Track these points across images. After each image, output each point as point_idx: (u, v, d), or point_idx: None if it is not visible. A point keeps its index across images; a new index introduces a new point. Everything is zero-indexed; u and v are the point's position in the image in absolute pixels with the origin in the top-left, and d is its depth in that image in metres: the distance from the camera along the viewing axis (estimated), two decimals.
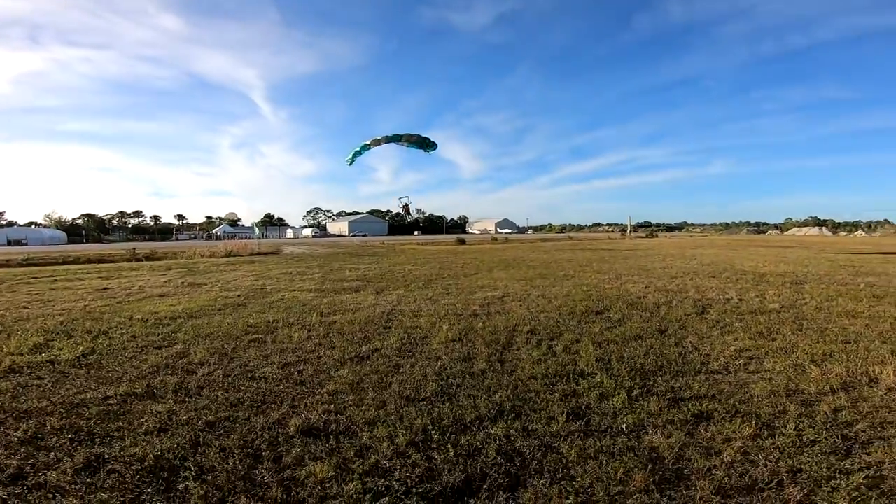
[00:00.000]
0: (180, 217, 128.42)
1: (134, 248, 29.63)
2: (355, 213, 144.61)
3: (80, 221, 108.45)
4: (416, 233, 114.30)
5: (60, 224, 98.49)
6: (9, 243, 61.37)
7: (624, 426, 3.71)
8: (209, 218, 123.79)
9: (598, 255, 23.79)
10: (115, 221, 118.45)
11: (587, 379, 4.81)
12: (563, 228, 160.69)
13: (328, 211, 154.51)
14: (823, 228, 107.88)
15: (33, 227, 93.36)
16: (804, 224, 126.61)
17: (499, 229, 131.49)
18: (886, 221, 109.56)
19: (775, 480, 2.95)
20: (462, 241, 45.12)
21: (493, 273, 15.29)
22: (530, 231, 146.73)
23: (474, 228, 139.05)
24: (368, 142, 16.28)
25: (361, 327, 7.25)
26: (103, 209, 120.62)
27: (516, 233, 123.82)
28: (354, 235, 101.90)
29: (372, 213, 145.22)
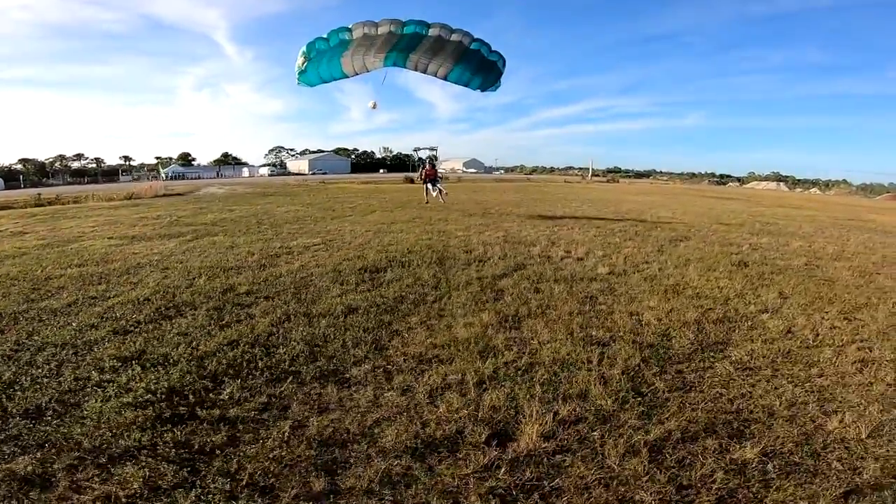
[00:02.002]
0: (126, 158, 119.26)
1: (39, 194, 26.75)
2: (320, 151, 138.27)
3: (20, 167, 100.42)
4: (381, 171, 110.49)
5: (0, 170, 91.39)
6: None
7: None
8: (158, 158, 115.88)
9: (528, 197, 22.09)
10: (56, 165, 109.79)
11: None
12: (533, 171, 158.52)
13: (291, 150, 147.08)
14: (782, 184, 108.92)
15: None
16: (765, 179, 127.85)
17: (464, 169, 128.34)
18: (844, 181, 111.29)
19: None
20: (410, 181, 42.57)
21: (367, 216, 13.37)
22: (501, 171, 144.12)
23: (442, 167, 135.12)
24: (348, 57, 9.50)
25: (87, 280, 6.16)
26: (51, 154, 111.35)
27: (483, 173, 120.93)
28: (314, 173, 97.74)
29: (337, 151, 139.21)
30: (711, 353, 4.10)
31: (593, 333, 4.48)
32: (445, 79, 10.38)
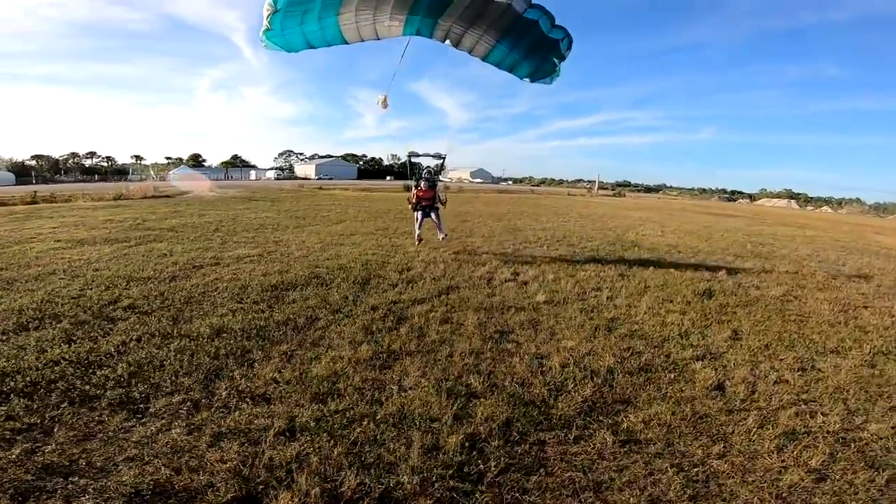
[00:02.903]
0: (138, 157, 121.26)
1: (35, 192, 26.79)
2: (328, 156, 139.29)
3: (33, 163, 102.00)
4: (388, 178, 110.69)
5: (13, 166, 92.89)
6: None
7: None
8: (168, 158, 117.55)
9: (518, 210, 21.34)
10: (70, 163, 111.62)
11: None
12: (541, 182, 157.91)
13: (301, 154, 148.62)
14: (793, 202, 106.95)
15: None
16: (777, 196, 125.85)
17: (471, 179, 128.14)
18: (857, 200, 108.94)
19: None
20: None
21: (332, 226, 12.75)
22: (509, 182, 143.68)
23: (448, 176, 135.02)
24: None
25: None
26: (65, 151, 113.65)
27: (490, 183, 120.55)
28: (320, 178, 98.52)
29: (345, 157, 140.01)
30: (600, 418, 3.33)
31: (471, 381, 3.75)
32: (485, 59, 7.46)
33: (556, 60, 7.20)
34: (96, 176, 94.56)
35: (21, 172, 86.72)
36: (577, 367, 4.15)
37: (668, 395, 3.74)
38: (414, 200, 9.33)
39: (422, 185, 9.19)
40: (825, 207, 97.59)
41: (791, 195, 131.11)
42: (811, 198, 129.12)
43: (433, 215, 9.50)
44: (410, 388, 3.64)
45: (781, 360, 4.74)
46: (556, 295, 6.38)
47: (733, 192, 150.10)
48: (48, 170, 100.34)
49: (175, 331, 4.65)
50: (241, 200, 22.00)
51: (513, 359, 4.25)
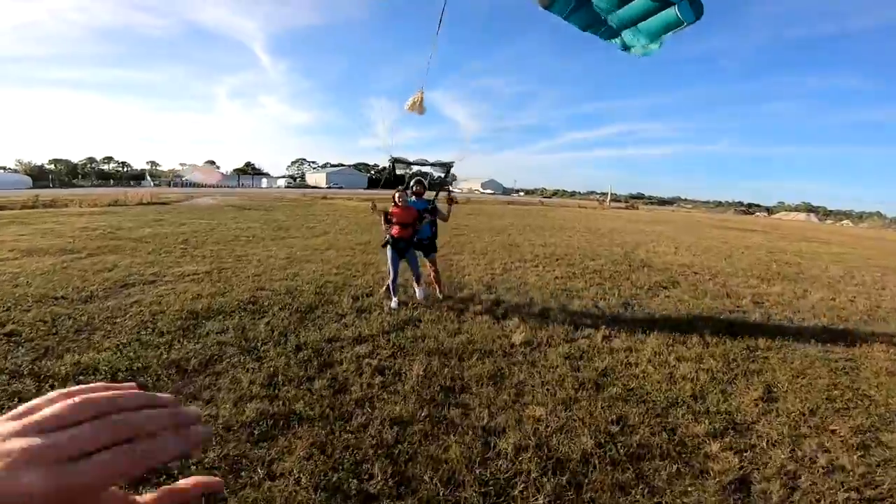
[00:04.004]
0: (153, 163, 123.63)
1: (37, 195, 26.56)
2: (340, 165, 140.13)
3: (52, 167, 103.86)
4: (398, 188, 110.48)
5: (31, 169, 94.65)
6: None
7: None
8: (183, 164, 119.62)
9: (522, 223, 20.06)
10: (87, 168, 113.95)
11: None
12: (554, 194, 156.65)
13: (313, 162, 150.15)
14: (812, 215, 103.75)
15: (0, 171, 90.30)
16: (795, 209, 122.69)
17: (482, 190, 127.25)
18: (878, 213, 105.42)
19: None
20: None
21: (313, 238, 11.72)
22: (521, 193, 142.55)
23: (460, 187, 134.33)
24: None
25: None
26: (85, 155, 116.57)
27: (501, 194, 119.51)
28: (330, 188, 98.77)
29: (356, 166, 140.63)
30: None
31: (374, 472, 2.57)
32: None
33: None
34: (112, 181, 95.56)
35: (39, 176, 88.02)
36: (539, 452, 2.91)
37: (666, 502, 2.48)
38: (384, 228, 5.83)
39: (398, 200, 5.72)
40: (846, 221, 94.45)
41: (809, 208, 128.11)
42: (830, 211, 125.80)
43: (426, 258, 6.19)
44: (280, 477, 2.45)
45: (833, 432, 3.45)
46: (538, 333, 5.13)
47: (750, 205, 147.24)
48: (66, 174, 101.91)
49: (30, 368, 3.68)
50: (232, 209, 21.14)
51: (450, 436, 3.03)
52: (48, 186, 71.11)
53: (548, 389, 3.83)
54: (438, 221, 6.25)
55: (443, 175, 6.39)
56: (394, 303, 5.84)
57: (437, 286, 6.34)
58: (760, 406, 3.83)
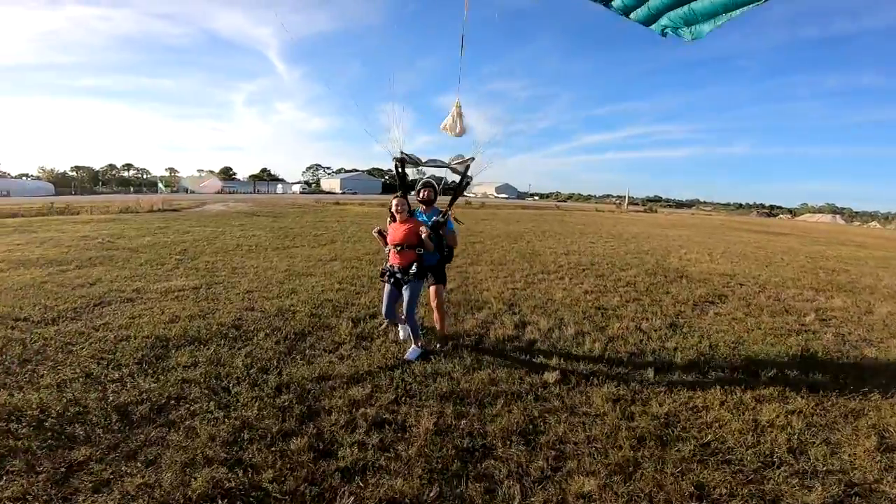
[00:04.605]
0: (171, 170, 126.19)
1: (52, 203, 26.63)
2: (354, 170, 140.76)
3: (74, 174, 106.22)
4: (412, 192, 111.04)
5: (54, 176, 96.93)
6: None
7: None
8: (200, 171, 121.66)
9: (539, 229, 19.09)
10: (108, 175, 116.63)
11: None
12: (569, 198, 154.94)
13: (328, 168, 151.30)
14: (838, 217, 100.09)
15: (24, 178, 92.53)
16: (819, 211, 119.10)
17: (496, 194, 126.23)
18: None
19: None
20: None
21: (318, 248, 10.95)
22: (535, 198, 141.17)
23: (474, 191, 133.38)
24: None
25: None
26: (107, 162, 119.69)
27: (515, 199, 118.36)
28: (344, 193, 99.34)
29: (370, 171, 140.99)
30: None
31: None
32: None
33: None
34: (132, 188, 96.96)
35: (61, 183, 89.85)
36: None
37: None
38: (386, 252, 4.40)
39: (395, 210, 4.28)
40: (874, 223, 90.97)
41: (833, 209, 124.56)
42: (855, 212, 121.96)
43: (430, 289, 4.54)
44: None
45: None
46: (575, 367, 4.21)
47: (772, 207, 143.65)
48: (88, 181, 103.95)
49: None
50: (239, 216, 20.57)
51: None
52: (70, 193, 72.26)
53: (596, 449, 2.90)
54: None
55: (457, 179, 4.59)
56: (402, 333, 4.61)
57: (436, 322, 4.68)
58: (879, 459, 2.86)
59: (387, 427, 3.05)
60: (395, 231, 4.24)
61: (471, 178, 4.45)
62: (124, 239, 11.68)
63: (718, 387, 3.86)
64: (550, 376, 3.92)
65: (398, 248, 4.18)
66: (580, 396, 3.62)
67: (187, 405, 3.22)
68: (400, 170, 4.55)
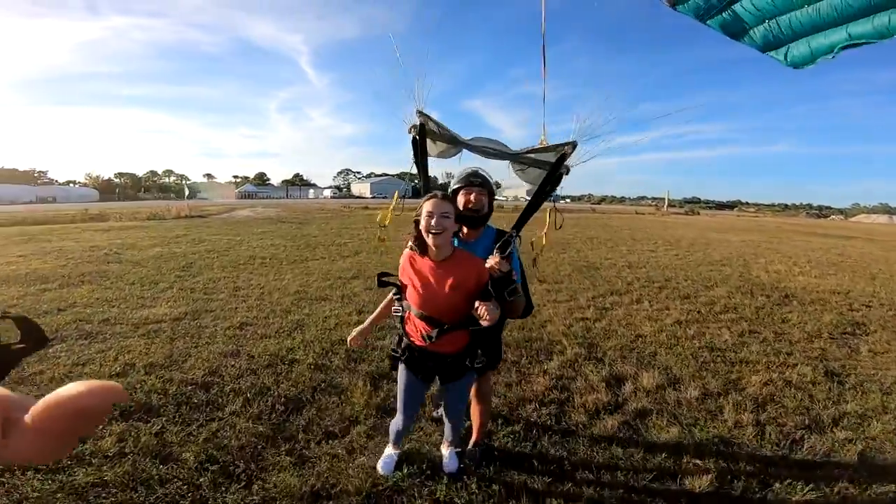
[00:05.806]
0: (209, 176, 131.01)
1: (86, 209, 26.85)
2: (384, 175, 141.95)
3: (118, 180, 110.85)
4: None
5: (99, 183, 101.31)
6: (38, 201, 63.36)
7: None
8: (236, 177, 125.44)
9: (585, 235, 17.23)
10: (150, 182, 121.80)
11: None
12: (602, 200, 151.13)
13: (358, 172, 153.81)
14: (895, 217, 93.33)
15: (70, 185, 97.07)
16: (873, 211, 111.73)
17: (527, 197, 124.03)
18: None
19: None
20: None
21: (340, 261, 9.57)
22: (567, 200, 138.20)
23: (506, 194, 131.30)
24: None
25: None
26: (150, 169, 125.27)
27: (552, 200, 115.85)
28: (374, 197, 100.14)
29: (401, 175, 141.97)
30: None
31: None
32: None
33: None
34: (173, 194, 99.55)
35: (106, 189, 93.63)
36: None
37: None
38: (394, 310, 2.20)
39: (431, 226, 1.86)
40: None
41: (888, 209, 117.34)
42: None
43: (469, 390, 2.43)
44: None
45: None
46: (730, 461, 2.47)
47: (821, 208, 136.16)
48: (131, 187, 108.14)
49: None
50: (269, 222, 19.58)
51: None
52: (115, 199, 74.53)
53: None
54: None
55: (549, 173, 2.39)
56: (383, 461, 2.56)
57: (474, 419, 2.71)
58: None
59: None
60: (429, 282, 1.97)
61: (568, 169, 2.32)
62: (133, 250, 10.64)
63: None
64: (699, 482, 2.20)
65: (442, 329, 1.99)
66: None
67: None
68: (419, 146, 2.36)
